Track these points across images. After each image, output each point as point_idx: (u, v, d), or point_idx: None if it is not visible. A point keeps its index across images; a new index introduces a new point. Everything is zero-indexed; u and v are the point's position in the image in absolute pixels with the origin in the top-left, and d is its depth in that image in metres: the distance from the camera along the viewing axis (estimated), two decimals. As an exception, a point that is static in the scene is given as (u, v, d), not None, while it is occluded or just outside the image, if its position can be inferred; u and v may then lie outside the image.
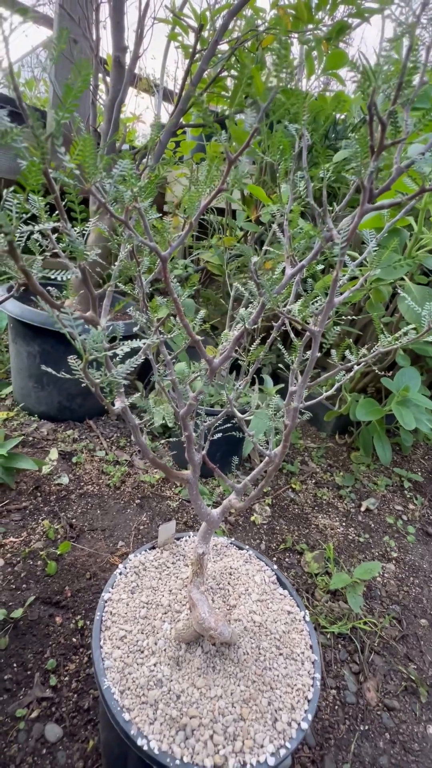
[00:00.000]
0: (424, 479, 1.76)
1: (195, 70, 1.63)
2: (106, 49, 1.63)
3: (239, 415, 0.46)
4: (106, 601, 0.64)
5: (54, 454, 1.45)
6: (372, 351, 0.45)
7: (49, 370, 0.39)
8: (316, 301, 0.46)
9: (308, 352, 0.43)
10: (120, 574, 0.70)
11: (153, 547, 0.77)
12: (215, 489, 1.41)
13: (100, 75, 1.60)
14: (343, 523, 1.42)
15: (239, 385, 0.46)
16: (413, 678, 0.96)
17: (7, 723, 0.71)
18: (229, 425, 0.85)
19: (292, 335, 0.49)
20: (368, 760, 0.79)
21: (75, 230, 0.27)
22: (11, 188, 0.25)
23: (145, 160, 1.79)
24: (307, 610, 0.68)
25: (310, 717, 0.54)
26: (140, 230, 0.31)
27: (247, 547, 0.81)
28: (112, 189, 0.26)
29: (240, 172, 0.28)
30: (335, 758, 0.77)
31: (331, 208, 0.38)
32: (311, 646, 0.64)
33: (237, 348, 0.42)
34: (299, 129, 0.35)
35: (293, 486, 1.52)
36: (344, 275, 0.41)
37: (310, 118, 1.68)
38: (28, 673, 0.79)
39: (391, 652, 1.01)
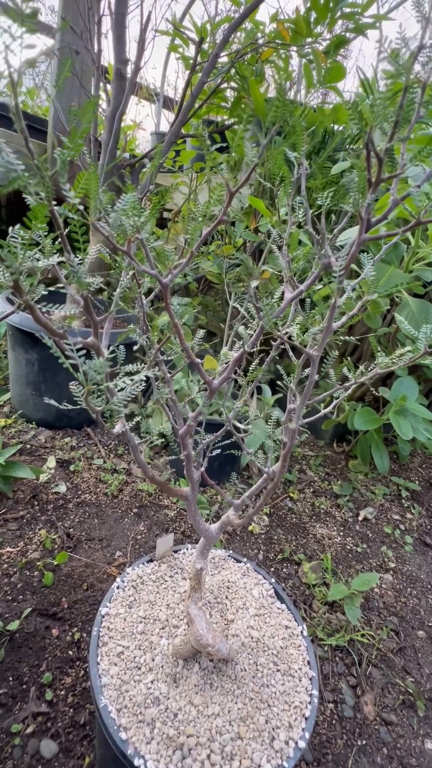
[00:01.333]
0: (421, 488, 1.76)
1: (195, 81, 1.65)
2: (108, 58, 1.65)
3: (237, 435, 0.46)
4: (103, 616, 0.64)
5: (52, 462, 1.45)
6: (369, 370, 0.46)
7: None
8: (314, 320, 0.47)
9: (307, 370, 0.44)
10: (117, 588, 0.70)
11: (151, 560, 0.77)
12: (214, 497, 1.41)
13: (101, 84, 1.61)
14: (341, 533, 1.42)
15: (238, 406, 0.47)
16: (411, 691, 0.95)
17: (2, 739, 0.71)
18: (228, 440, 0.85)
19: (290, 353, 0.50)
20: (366, 776, 0.78)
21: (77, 258, 0.28)
22: (16, 225, 0.25)
23: (145, 170, 1.81)
24: (304, 624, 0.68)
25: (307, 735, 0.54)
26: (141, 257, 0.31)
27: (245, 559, 0.81)
28: (116, 222, 0.27)
29: (242, 203, 0.28)
30: (332, 774, 0.77)
31: (330, 228, 0.39)
32: (309, 662, 0.64)
33: (236, 368, 0.43)
34: (298, 157, 0.35)
35: (291, 495, 1.52)
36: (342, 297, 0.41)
37: (309, 130, 1.70)
38: (24, 687, 0.79)
39: (388, 665, 1.01)
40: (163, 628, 0.63)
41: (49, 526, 1.18)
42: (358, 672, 0.96)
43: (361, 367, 0.55)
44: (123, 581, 0.70)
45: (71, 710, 0.77)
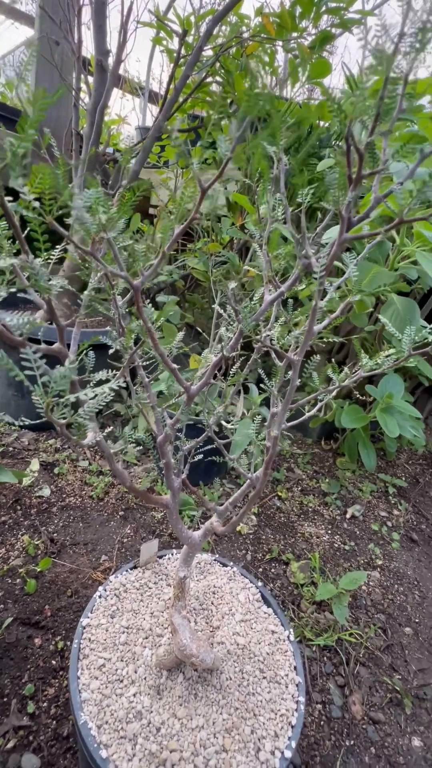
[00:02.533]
0: (408, 484, 1.78)
1: (179, 75, 1.62)
2: (90, 49, 1.61)
3: (219, 441, 0.45)
4: (84, 627, 0.62)
5: (35, 465, 1.42)
6: (354, 373, 0.45)
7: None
8: (300, 319, 0.46)
9: (290, 373, 0.42)
10: (100, 597, 0.68)
11: (134, 567, 0.75)
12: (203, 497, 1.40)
13: (83, 76, 1.57)
14: (329, 531, 1.42)
15: (219, 411, 0.45)
16: (398, 689, 0.96)
17: (-18, 755, 0.69)
18: (212, 445, 0.83)
19: (274, 355, 0.48)
20: (354, 777, 0.78)
21: (39, 261, 0.26)
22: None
23: (129, 165, 1.77)
24: (291, 629, 0.67)
25: (293, 744, 0.53)
26: (110, 258, 0.29)
27: (231, 563, 0.79)
28: (78, 220, 0.25)
29: (214, 202, 0.27)
30: (321, 776, 0.77)
31: (315, 226, 0.37)
32: (295, 668, 0.63)
33: (216, 373, 0.41)
34: (277, 151, 0.34)
35: (279, 494, 1.52)
36: (324, 300, 0.40)
37: (294, 126, 1.68)
38: (5, 699, 0.76)
39: (376, 663, 1.01)
40: (146, 638, 0.62)
41: (32, 531, 1.15)
42: (346, 671, 0.96)
43: (346, 369, 0.54)
44: (105, 590, 0.69)
45: (54, 722, 0.75)
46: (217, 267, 1.71)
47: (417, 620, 1.17)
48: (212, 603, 0.70)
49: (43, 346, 0.28)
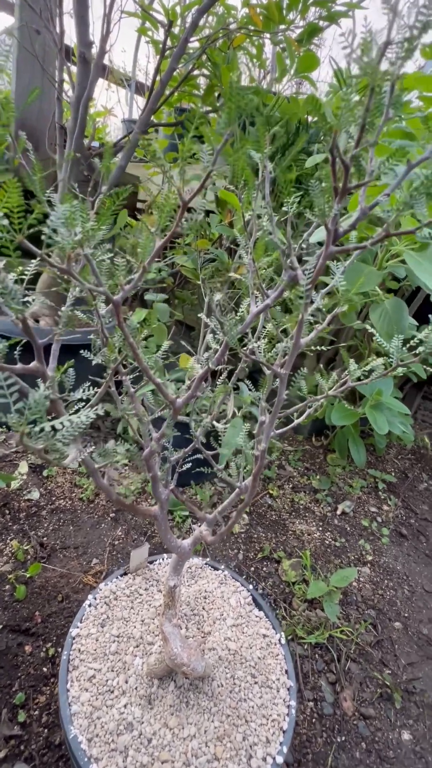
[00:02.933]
0: (397, 479, 1.80)
1: (165, 67, 1.58)
2: (73, 38, 1.56)
3: (206, 452, 0.44)
4: (74, 638, 0.62)
5: (24, 467, 1.40)
6: (343, 379, 0.44)
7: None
8: (292, 321, 0.45)
9: (277, 381, 0.41)
10: (89, 605, 0.67)
11: (125, 573, 0.75)
12: (194, 496, 1.39)
13: (66, 67, 1.53)
14: (320, 528, 1.43)
15: (207, 422, 0.44)
16: (388, 684, 0.97)
17: (-28, 766, 0.68)
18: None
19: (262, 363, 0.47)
20: (345, 773, 0.80)
21: (11, 277, 0.24)
22: None
23: (115, 160, 1.74)
24: (282, 633, 0.67)
25: (285, 749, 0.53)
26: (87, 275, 0.28)
27: (222, 566, 0.79)
28: (51, 237, 0.24)
29: (196, 218, 0.26)
30: (313, 773, 0.78)
31: (301, 230, 0.37)
32: (287, 671, 0.63)
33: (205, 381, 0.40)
34: (262, 158, 0.33)
35: (271, 492, 1.52)
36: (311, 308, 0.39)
37: (282, 121, 1.66)
38: (-5, 709, 0.76)
39: (366, 659, 1.02)
40: (137, 646, 0.61)
41: (21, 535, 1.13)
42: (337, 668, 0.97)
43: (335, 374, 0.53)
44: (95, 598, 0.68)
45: (46, 730, 0.74)
46: (206, 264, 1.69)
47: (406, 614, 1.19)
48: (203, 608, 0.70)
49: (19, 366, 0.27)
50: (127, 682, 0.56)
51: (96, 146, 2.10)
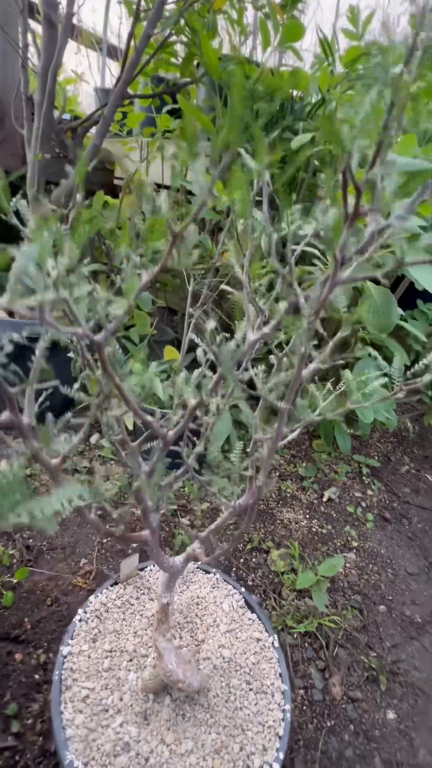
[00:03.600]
0: (380, 464, 1.84)
1: (140, 33, 1.46)
2: None
3: (200, 478, 0.42)
4: (65, 656, 0.60)
5: (4, 465, 1.35)
6: (338, 407, 0.42)
7: None
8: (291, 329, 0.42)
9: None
10: (80, 620, 0.65)
11: (115, 583, 0.73)
12: (180, 489, 1.38)
13: (31, 31, 1.39)
14: (307, 516, 1.45)
15: (196, 451, 0.42)
16: (374, 666, 1.01)
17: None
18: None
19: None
20: (335, 756, 0.83)
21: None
22: None
23: (89, 133, 1.62)
24: (275, 635, 0.68)
25: (281, 756, 0.54)
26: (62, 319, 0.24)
27: (214, 569, 0.79)
28: (20, 275, 0.20)
29: (188, 246, 0.22)
30: (304, 759, 0.81)
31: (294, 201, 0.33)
32: (280, 675, 0.64)
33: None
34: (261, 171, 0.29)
35: (258, 482, 1.53)
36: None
37: (267, 96, 1.57)
38: (-13, 721, 0.75)
39: (353, 643, 1.06)
40: (131, 660, 0.60)
41: (6, 539, 1.11)
42: (326, 655, 1.01)
43: (329, 384, 0.51)
44: (86, 612, 0.66)
45: (40, 738, 0.74)
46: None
47: (390, 597, 1.23)
48: (196, 615, 0.69)
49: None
50: (121, 699, 0.55)
51: (67, 119, 1.95)
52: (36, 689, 0.81)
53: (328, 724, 0.88)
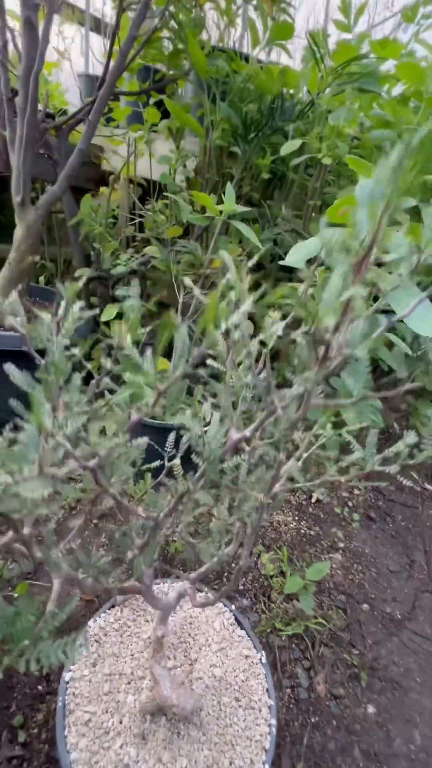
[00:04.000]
0: (367, 462, 1.90)
1: (125, 24, 1.42)
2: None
3: (193, 551, 0.45)
4: (67, 682, 0.65)
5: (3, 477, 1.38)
6: (317, 481, 0.45)
7: None
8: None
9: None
10: (80, 645, 0.70)
11: (113, 606, 0.78)
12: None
13: (10, 30, 1.33)
14: (296, 518, 1.51)
15: (186, 523, 0.45)
16: (356, 664, 1.09)
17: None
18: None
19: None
20: (318, 749, 0.91)
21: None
22: None
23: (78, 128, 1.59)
24: (263, 653, 0.73)
25: (267, 767, 0.60)
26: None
27: (206, 589, 0.84)
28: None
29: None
30: (290, 753, 0.88)
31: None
32: (267, 690, 0.69)
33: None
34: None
35: (249, 485, 1.58)
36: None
37: (256, 97, 1.54)
38: (-5, 733, 0.80)
39: (337, 642, 1.14)
40: (129, 683, 0.65)
41: (4, 552, 1.14)
42: (312, 655, 1.08)
43: (309, 437, 0.54)
44: (86, 639, 0.70)
45: (46, 746, 0.80)
46: (179, 255, 1.61)
47: (373, 596, 1.31)
48: (189, 635, 0.74)
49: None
50: (121, 722, 0.60)
51: (50, 114, 1.89)
52: (40, 700, 0.87)
53: (313, 720, 0.96)
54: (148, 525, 0.38)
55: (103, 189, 2.03)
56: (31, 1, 1.15)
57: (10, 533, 0.31)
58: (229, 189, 1.17)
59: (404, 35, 1.77)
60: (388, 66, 1.62)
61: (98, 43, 2.79)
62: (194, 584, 0.57)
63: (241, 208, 1.24)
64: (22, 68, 1.23)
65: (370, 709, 1.01)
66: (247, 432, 0.33)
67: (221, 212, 1.24)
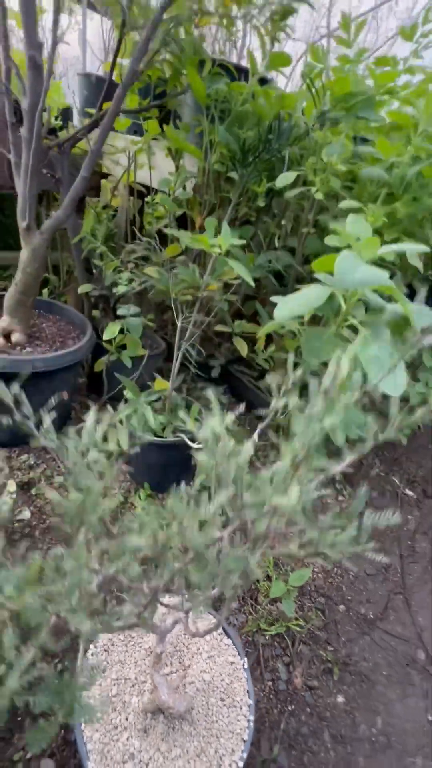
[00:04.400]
0: (352, 469, 2.03)
1: (127, 46, 1.46)
2: (17, 41, 1.31)
3: (191, 578, 0.57)
4: (82, 686, 0.78)
5: (12, 486, 1.50)
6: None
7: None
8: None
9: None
10: (92, 654, 0.83)
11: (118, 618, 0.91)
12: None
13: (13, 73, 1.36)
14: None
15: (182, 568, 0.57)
16: (330, 659, 1.24)
17: (8, 767, 0.88)
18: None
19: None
20: (293, 733, 1.06)
21: None
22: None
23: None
24: (246, 659, 0.87)
25: (245, 755, 0.74)
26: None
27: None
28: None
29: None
30: (269, 737, 1.04)
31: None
32: (248, 692, 0.83)
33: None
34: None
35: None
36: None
37: (255, 122, 1.59)
38: (19, 719, 0.95)
39: (315, 641, 1.29)
40: (133, 686, 0.79)
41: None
42: (291, 651, 1.23)
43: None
44: (95, 647, 0.84)
45: (62, 730, 0.95)
46: (178, 277, 1.68)
47: (349, 597, 1.46)
48: (183, 644, 0.88)
49: None
50: (127, 719, 0.74)
51: (53, 131, 1.92)
52: (56, 692, 1.01)
53: (289, 708, 1.11)
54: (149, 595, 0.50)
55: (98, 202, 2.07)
56: (33, 40, 1.19)
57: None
58: (225, 227, 1.25)
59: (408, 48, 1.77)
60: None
61: (97, 41, 2.75)
62: (187, 614, 0.69)
63: (237, 241, 1.31)
64: (28, 104, 1.27)
65: (340, 699, 1.17)
66: (221, 619, 0.43)
67: (218, 245, 1.32)
